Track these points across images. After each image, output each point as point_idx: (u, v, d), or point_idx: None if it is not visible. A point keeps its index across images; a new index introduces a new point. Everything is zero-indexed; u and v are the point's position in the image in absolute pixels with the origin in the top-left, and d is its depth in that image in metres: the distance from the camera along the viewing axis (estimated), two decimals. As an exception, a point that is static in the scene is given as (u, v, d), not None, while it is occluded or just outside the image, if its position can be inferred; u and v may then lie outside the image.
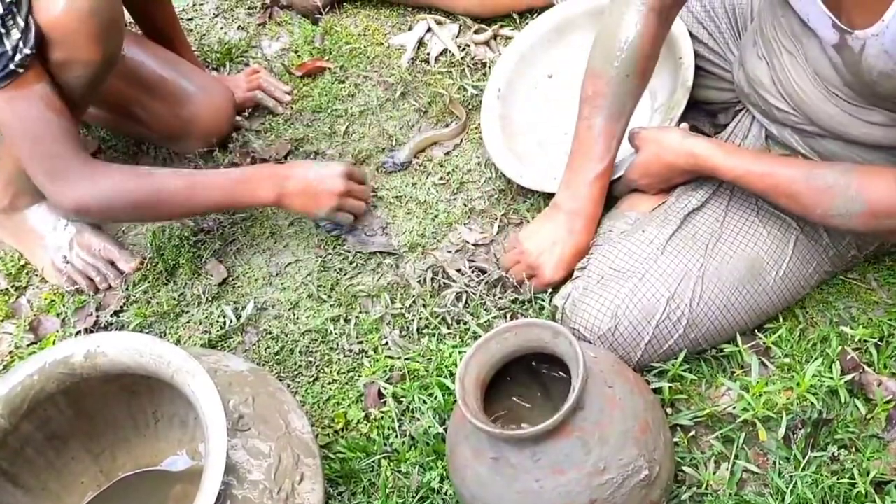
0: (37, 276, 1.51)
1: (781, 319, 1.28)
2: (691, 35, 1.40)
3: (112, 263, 1.49)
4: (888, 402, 1.17)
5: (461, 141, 1.59)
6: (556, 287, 1.31)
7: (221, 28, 1.86)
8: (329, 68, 1.72)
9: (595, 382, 1.03)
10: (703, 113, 1.44)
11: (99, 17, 1.20)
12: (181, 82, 1.51)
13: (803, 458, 1.14)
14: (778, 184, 1.14)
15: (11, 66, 1.17)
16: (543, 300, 1.31)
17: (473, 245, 1.45)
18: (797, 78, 1.16)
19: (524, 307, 1.33)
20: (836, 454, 1.13)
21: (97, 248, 1.49)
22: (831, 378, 1.18)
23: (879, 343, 1.24)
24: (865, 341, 1.24)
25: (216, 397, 0.98)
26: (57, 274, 1.48)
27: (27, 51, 1.17)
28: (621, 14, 1.24)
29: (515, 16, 1.72)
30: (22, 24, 1.16)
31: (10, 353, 1.41)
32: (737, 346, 1.22)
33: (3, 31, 1.14)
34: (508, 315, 1.33)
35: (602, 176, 1.30)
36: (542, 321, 1.05)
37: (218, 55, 1.79)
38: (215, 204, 1.35)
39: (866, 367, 1.20)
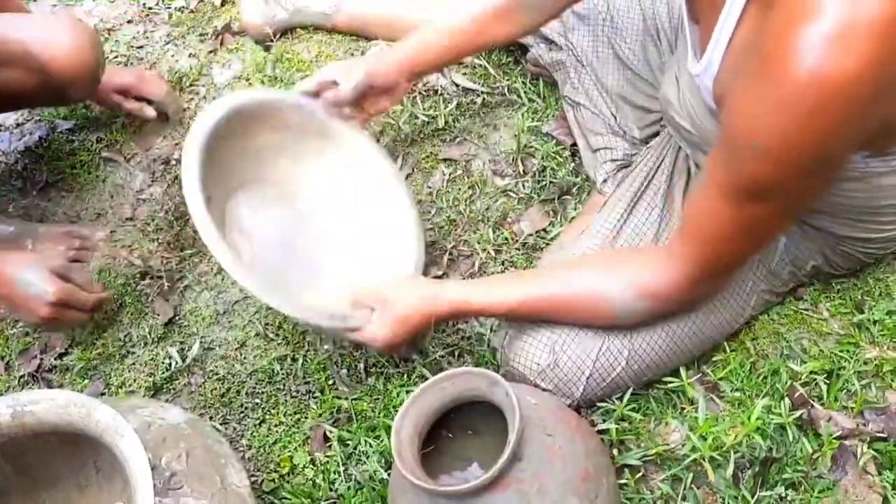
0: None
1: (731, 352, 1.26)
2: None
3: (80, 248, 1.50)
4: (837, 438, 1.15)
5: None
6: None
7: (172, 56, 1.83)
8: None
9: (534, 431, 1.01)
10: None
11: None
12: (11, 34, 1.36)
13: (752, 498, 1.12)
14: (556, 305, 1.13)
15: None
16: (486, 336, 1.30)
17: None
18: (690, 94, 1.14)
19: (471, 343, 1.32)
20: (783, 494, 1.12)
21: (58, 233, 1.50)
22: (780, 415, 1.16)
23: (830, 376, 1.23)
24: (815, 373, 1.23)
25: (144, 459, 0.96)
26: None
27: None
28: None
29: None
30: None
31: (-47, 399, 1.38)
32: (682, 380, 1.20)
33: None
34: (456, 352, 1.32)
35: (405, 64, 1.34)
36: (478, 370, 1.03)
37: (169, 83, 1.76)
38: None
39: (814, 404, 1.19)
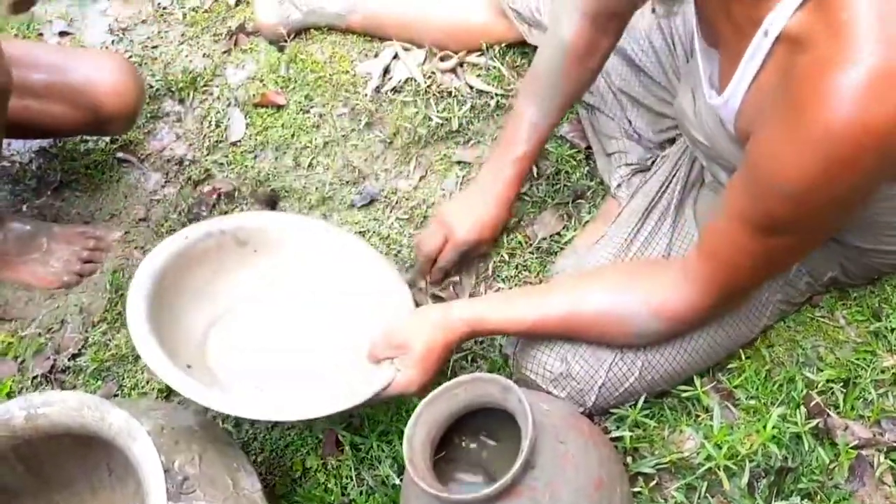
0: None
1: (747, 359, 1.25)
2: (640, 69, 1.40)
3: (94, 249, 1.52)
4: (854, 447, 1.14)
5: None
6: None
7: (187, 56, 1.82)
8: (281, 105, 1.68)
9: (547, 438, 1.01)
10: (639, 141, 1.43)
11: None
12: (59, 67, 1.39)
13: (767, 508, 1.12)
14: (576, 324, 1.12)
15: None
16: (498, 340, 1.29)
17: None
18: (707, 115, 1.12)
19: (484, 348, 1.31)
20: (799, 504, 1.11)
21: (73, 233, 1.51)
22: (796, 424, 1.15)
23: (847, 385, 1.21)
24: (831, 382, 1.21)
25: (157, 464, 0.95)
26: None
27: None
28: (558, 17, 1.29)
29: (484, 45, 1.68)
30: None
31: (-34, 397, 1.39)
32: (696, 388, 1.19)
33: None
34: (469, 357, 1.31)
35: (519, 160, 1.34)
36: (490, 376, 1.03)
37: (182, 84, 1.76)
38: None
39: (831, 413, 1.18)
